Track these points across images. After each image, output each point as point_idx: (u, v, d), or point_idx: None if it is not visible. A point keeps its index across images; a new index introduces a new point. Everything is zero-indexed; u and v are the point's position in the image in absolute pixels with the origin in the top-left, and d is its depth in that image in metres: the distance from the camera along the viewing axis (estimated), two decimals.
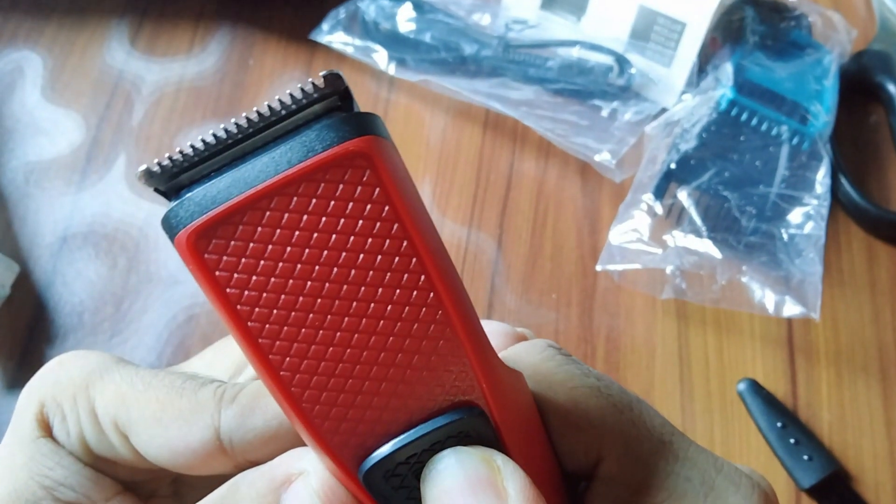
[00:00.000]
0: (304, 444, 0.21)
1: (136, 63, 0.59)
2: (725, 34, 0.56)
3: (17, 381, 0.48)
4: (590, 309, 0.51)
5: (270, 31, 0.60)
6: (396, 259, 0.18)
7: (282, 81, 0.59)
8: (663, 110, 0.55)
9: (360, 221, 0.17)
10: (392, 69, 0.57)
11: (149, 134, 0.56)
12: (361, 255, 0.18)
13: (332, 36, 0.58)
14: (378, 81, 0.59)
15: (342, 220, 0.17)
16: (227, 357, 0.27)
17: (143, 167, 0.17)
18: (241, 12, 0.61)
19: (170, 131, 0.56)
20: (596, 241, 0.53)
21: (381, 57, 0.57)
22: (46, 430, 0.24)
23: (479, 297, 0.51)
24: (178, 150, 0.17)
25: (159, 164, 0.17)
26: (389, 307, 0.18)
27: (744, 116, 0.53)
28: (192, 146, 0.17)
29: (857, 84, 0.58)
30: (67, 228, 0.53)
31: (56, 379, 0.25)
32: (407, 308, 0.18)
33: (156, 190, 0.18)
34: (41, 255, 0.52)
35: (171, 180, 0.18)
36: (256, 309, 0.18)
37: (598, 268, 0.51)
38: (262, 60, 0.59)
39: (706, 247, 0.50)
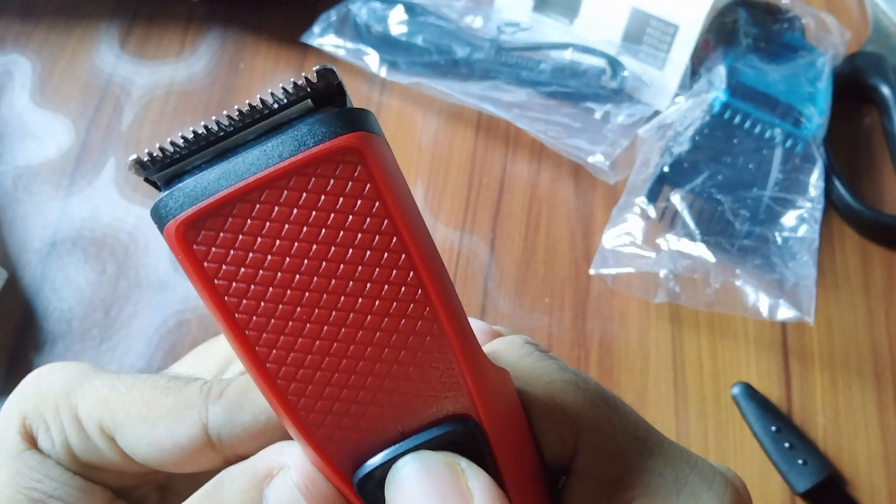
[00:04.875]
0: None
1: (125, 66, 0.58)
2: (718, 36, 0.55)
3: (5, 388, 0.48)
4: (583, 313, 0.51)
5: (261, 34, 0.60)
6: (385, 255, 0.18)
7: (273, 85, 0.58)
8: (656, 113, 0.55)
9: (350, 216, 0.17)
10: (384, 72, 0.56)
11: (138, 138, 0.56)
12: (350, 251, 0.18)
13: (324, 39, 0.58)
14: (370, 84, 0.58)
15: (332, 215, 0.17)
16: (209, 359, 0.27)
17: (134, 157, 0.18)
18: (232, 15, 0.61)
19: (159, 135, 0.56)
20: (589, 244, 0.53)
21: (372, 60, 0.57)
22: (31, 442, 0.24)
23: (471, 302, 0.51)
24: (169, 140, 0.18)
25: (150, 154, 0.18)
26: (378, 303, 0.18)
27: (737, 119, 0.52)
28: (184, 137, 0.18)
29: (851, 86, 0.58)
30: (56, 233, 0.52)
31: (36, 391, 0.24)
32: (395, 304, 0.18)
33: (146, 180, 0.18)
34: (30, 260, 0.52)
35: (162, 171, 0.18)
36: (244, 301, 0.18)
37: (592, 271, 0.50)
38: (252, 63, 0.59)
39: (700, 250, 0.50)
